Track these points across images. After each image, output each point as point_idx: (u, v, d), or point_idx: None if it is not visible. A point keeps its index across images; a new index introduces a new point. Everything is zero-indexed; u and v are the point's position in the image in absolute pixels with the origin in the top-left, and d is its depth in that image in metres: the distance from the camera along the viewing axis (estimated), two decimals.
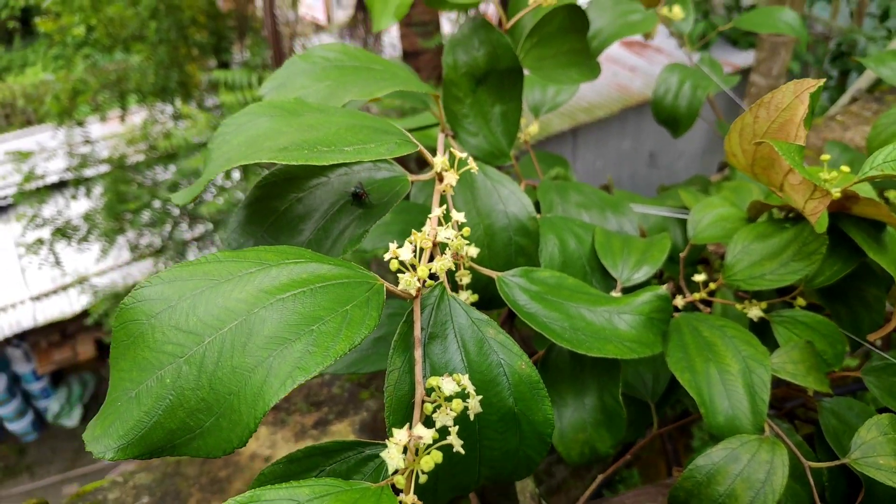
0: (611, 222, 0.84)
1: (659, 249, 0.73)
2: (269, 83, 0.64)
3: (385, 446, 0.37)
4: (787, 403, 0.78)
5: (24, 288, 4.75)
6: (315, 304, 0.38)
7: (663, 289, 0.63)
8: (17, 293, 4.70)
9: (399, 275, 0.44)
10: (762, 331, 0.73)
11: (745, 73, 4.38)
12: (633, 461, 1.65)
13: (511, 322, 0.94)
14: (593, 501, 0.67)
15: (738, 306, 0.70)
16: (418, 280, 0.44)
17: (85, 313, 4.39)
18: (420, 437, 0.36)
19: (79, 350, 4.87)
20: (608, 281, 0.74)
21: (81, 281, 4.62)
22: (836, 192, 0.57)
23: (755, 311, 0.69)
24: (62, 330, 4.86)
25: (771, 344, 0.68)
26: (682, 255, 0.78)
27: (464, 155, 0.54)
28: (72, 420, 4.90)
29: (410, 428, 0.38)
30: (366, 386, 1.16)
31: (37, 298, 4.80)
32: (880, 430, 0.58)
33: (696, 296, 0.70)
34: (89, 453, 0.41)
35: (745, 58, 4.58)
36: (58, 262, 4.39)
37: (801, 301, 0.70)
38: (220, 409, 0.35)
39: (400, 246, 0.44)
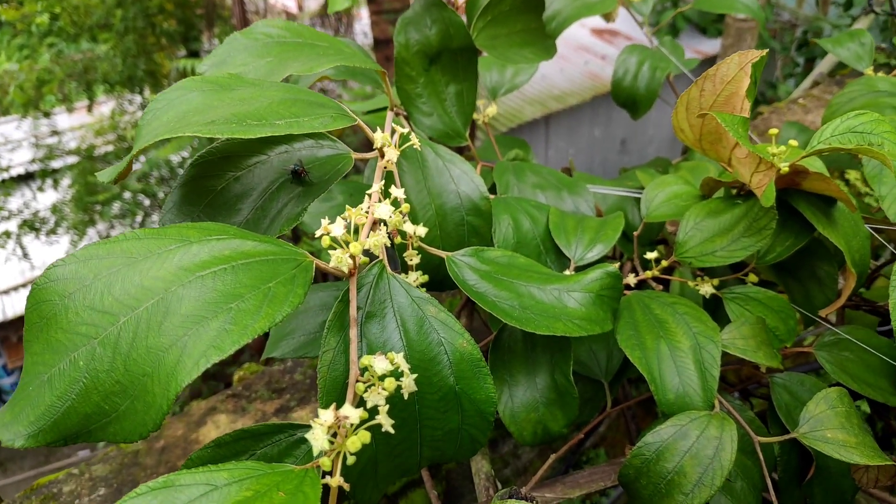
0: (567, 203, 0.83)
1: (612, 228, 0.73)
2: (209, 60, 0.62)
3: (311, 422, 0.36)
4: (746, 383, 0.78)
5: None
6: (236, 281, 0.37)
7: (613, 266, 0.62)
8: None
9: (330, 251, 0.43)
10: (715, 308, 0.73)
11: (713, 60, 4.41)
12: (600, 441, 1.65)
13: (473, 307, 0.93)
14: (548, 480, 0.67)
15: (691, 283, 0.70)
16: (350, 257, 0.43)
17: None
18: (346, 417, 0.35)
19: None
20: (563, 260, 0.73)
21: None
22: (784, 167, 0.57)
23: (707, 288, 0.68)
24: None
25: (724, 321, 0.68)
26: (635, 233, 0.77)
27: (405, 130, 0.53)
28: None
29: (338, 408, 0.36)
30: None
31: (5, 292, 4.71)
32: (828, 404, 0.58)
33: (648, 273, 0.70)
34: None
35: (713, 45, 4.62)
36: (26, 255, 4.30)
37: (753, 277, 0.70)
38: (135, 392, 0.34)
39: (332, 222, 0.43)
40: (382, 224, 0.48)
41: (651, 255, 0.70)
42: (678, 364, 0.60)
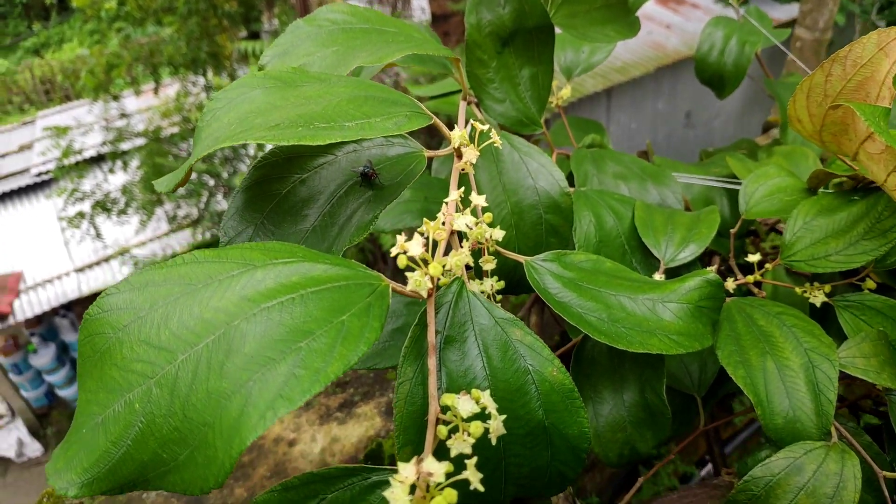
0: (652, 194, 0.76)
1: (707, 226, 0.66)
2: (271, 51, 0.58)
3: (393, 474, 0.32)
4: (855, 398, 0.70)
5: (69, 260, 4.86)
6: (305, 314, 0.33)
7: (713, 273, 0.55)
8: (61, 265, 4.81)
9: (408, 273, 0.38)
10: (822, 318, 0.65)
11: (787, 25, 4.15)
12: (669, 438, 1.58)
13: (543, 302, 0.87)
14: (637, 501, 0.61)
15: (799, 290, 0.62)
16: (430, 279, 0.38)
17: None
18: (430, 474, 0.31)
19: None
20: (650, 261, 0.67)
21: (122, 252, 4.70)
22: None
23: (819, 296, 0.61)
24: None
25: (833, 333, 0.60)
26: (732, 231, 0.70)
27: (485, 127, 0.47)
28: None
29: (420, 458, 0.32)
30: (393, 367, 1.12)
31: (80, 270, 4.90)
32: None
33: (750, 278, 0.63)
34: None
35: (786, 11, 4.34)
36: (98, 235, 4.46)
37: (870, 283, 0.62)
38: (195, 442, 0.30)
39: (409, 238, 0.38)
40: (464, 237, 0.43)
41: (753, 258, 0.62)
42: (787, 384, 0.53)
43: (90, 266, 4.97)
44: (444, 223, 0.41)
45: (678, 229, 0.67)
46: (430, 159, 0.58)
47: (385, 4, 5.10)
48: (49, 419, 4.92)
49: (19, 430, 4.57)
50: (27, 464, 4.53)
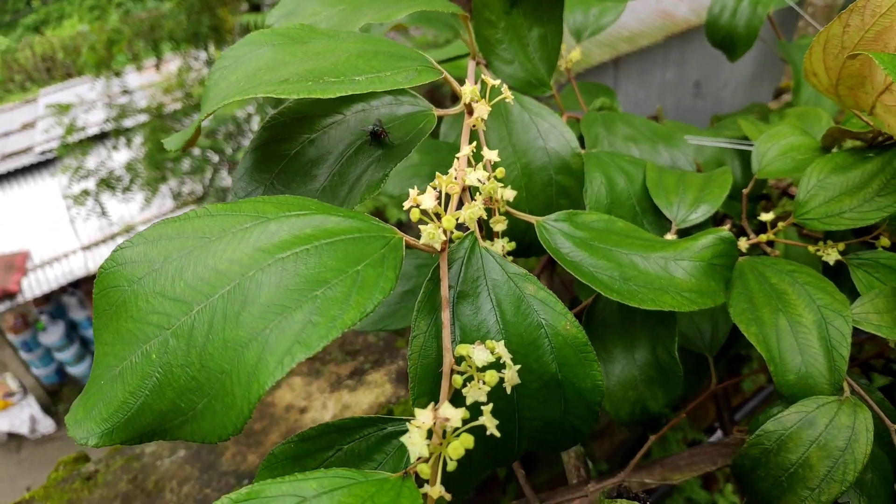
0: (663, 156, 0.76)
1: (719, 186, 0.65)
2: (277, 11, 0.57)
3: (409, 422, 0.32)
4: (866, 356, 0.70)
5: (75, 238, 4.87)
6: (320, 264, 0.32)
7: (726, 230, 0.55)
8: (68, 243, 4.83)
9: (421, 226, 0.38)
10: (835, 276, 0.65)
11: None
12: (680, 402, 1.59)
13: (552, 268, 0.87)
14: (645, 463, 0.62)
15: (812, 248, 0.62)
16: (444, 232, 0.38)
17: None
18: (447, 419, 0.31)
19: None
20: (662, 222, 0.67)
21: (128, 229, 4.71)
22: None
23: (832, 254, 0.60)
24: None
25: (847, 291, 0.60)
26: (745, 191, 0.69)
27: (497, 82, 0.47)
28: None
29: (436, 405, 0.32)
30: (402, 334, 1.12)
31: (87, 248, 4.92)
32: None
33: (763, 237, 0.62)
34: None
35: None
36: (104, 213, 4.46)
37: (884, 241, 0.62)
38: (212, 391, 0.30)
39: (422, 192, 0.38)
40: (475, 192, 0.43)
41: (766, 217, 0.62)
42: (800, 341, 0.53)
43: (96, 244, 4.98)
44: (456, 178, 0.41)
45: (690, 190, 0.66)
46: (440, 119, 0.58)
47: None
48: (60, 396, 4.98)
49: (32, 406, 4.63)
50: (41, 440, 4.60)
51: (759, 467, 0.50)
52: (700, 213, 0.63)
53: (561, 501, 0.57)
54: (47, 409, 4.75)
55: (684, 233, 0.64)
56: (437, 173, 0.39)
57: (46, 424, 4.63)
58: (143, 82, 5.08)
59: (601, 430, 1.45)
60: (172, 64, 4.95)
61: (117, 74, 4.50)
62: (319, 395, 1.04)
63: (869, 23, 0.45)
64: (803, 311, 0.55)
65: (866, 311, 0.54)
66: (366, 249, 0.34)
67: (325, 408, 1.01)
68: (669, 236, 0.62)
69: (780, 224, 0.61)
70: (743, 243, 0.62)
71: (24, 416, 4.55)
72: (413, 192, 0.38)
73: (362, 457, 0.37)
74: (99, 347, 0.33)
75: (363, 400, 1.02)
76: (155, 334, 0.32)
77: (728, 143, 0.80)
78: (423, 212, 0.38)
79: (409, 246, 0.37)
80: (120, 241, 4.73)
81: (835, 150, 0.67)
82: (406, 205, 0.38)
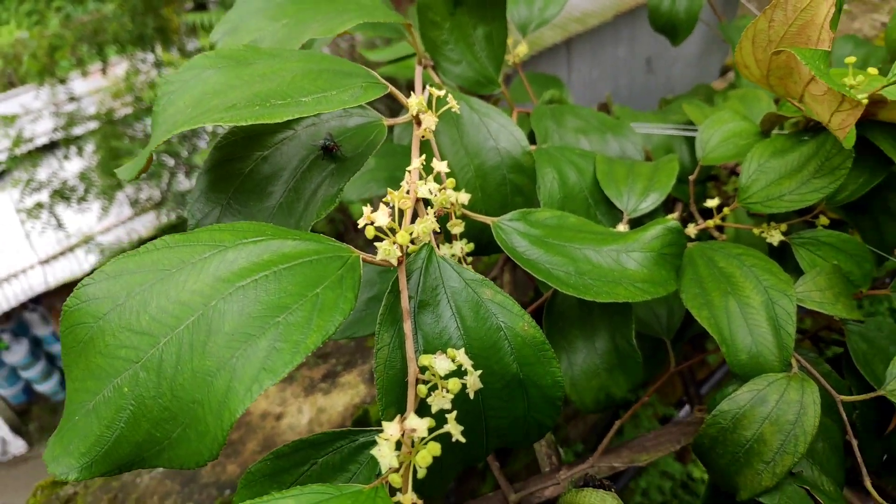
0: (612, 146, 0.78)
1: (666, 174, 0.67)
2: (220, 27, 0.58)
3: (379, 433, 0.33)
4: (816, 329, 0.73)
5: (32, 253, 4.74)
6: (280, 289, 0.33)
7: (674, 220, 0.57)
8: (25, 259, 4.69)
9: (377, 243, 0.39)
10: (781, 255, 0.68)
11: None
12: (648, 381, 1.63)
13: (514, 263, 0.89)
14: (613, 447, 0.64)
15: (756, 230, 0.65)
16: (399, 248, 0.39)
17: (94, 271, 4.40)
18: (414, 430, 0.32)
19: None
20: (614, 212, 0.69)
21: (87, 240, 4.60)
22: (863, 99, 0.51)
23: (776, 235, 0.63)
24: None
25: (792, 270, 0.63)
26: (691, 178, 0.72)
27: (441, 92, 0.48)
28: None
29: (403, 418, 0.33)
30: (372, 334, 1.14)
31: (45, 262, 4.79)
32: None
33: (710, 223, 0.65)
34: None
35: None
36: (60, 225, 4.34)
37: (824, 220, 0.65)
38: (186, 420, 0.31)
39: (375, 209, 0.39)
40: (428, 204, 0.44)
41: (712, 203, 0.65)
42: (750, 322, 0.56)
43: (55, 257, 4.86)
44: (408, 191, 0.42)
45: (639, 180, 0.68)
46: (391, 127, 0.59)
47: None
48: (30, 415, 4.87)
49: (1, 428, 4.52)
50: (13, 462, 4.50)
51: (717, 445, 0.53)
52: (650, 202, 0.66)
53: (534, 490, 0.59)
54: (17, 430, 4.65)
55: (636, 221, 0.66)
56: (389, 189, 0.41)
57: (18, 445, 4.53)
58: (90, 88, 4.94)
59: (574, 413, 1.48)
60: (119, 67, 4.83)
61: (62, 81, 4.38)
62: (294, 400, 1.05)
63: (791, 17, 0.47)
64: (751, 293, 0.57)
65: (809, 290, 0.57)
66: (324, 272, 0.35)
67: (301, 412, 1.02)
68: (621, 226, 0.64)
69: (726, 209, 0.64)
70: (691, 229, 0.65)
71: None
72: (366, 209, 0.39)
73: (337, 468, 0.39)
74: (70, 384, 0.34)
75: (338, 402, 1.03)
76: (125, 368, 0.33)
77: (675, 130, 0.83)
78: (378, 228, 0.39)
79: (366, 262, 0.39)
80: (79, 252, 4.62)
81: (775, 131, 0.70)
82: (360, 222, 0.39)
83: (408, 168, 0.45)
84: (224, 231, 0.36)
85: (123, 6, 4.27)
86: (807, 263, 0.62)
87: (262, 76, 0.43)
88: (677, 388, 1.64)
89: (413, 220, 0.42)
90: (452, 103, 0.48)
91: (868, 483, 0.53)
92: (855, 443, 0.55)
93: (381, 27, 0.71)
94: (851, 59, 0.52)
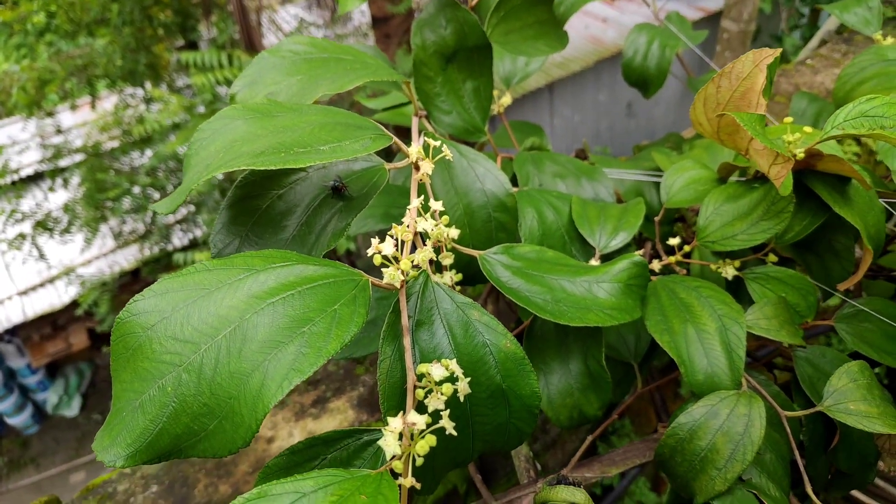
0: (587, 190, 0.86)
1: (634, 215, 0.75)
2: (240, 81, 0.65)
3: (381, 433, 0.40)
4: (762, 352, 0.81)
5: (10, 283, 4.72)
6: (304, 305, 0.40)
7: (639, 255, 0.65)
8: (3, 289, 4.67)
9: (383, 269, 0.46)
10: (737, 288, 0.75)
11: (716, 17, 4.36)
12: (625, 411, 1.70)
13: (498, 292, 0.96)
14: (586, 459, 0.70)
15: (713, 266, 0.73)
16: (402, 273, 0.46)
17: (75, 304, 4.39)
18: (414, 424, 0.39)
19: (72, 341, 4.87)
20: (587, 249, 0.76)
21: (68, 272, 4.60)
22: (800, 153, 0.59)
23: (730, 271, 0.71)
24: (53, 322, 4.86)
25: (746, 301, 0.71)
26: (656, 219, 0.80)
27: (437, 143, 0.55)
28: (72, 410, 4.94)
29: (404, 414, 0.40)
30: (361, 362, 1.19)
31: (24, 293, 4.77)
32: (850, 377, 0.61)
33: (672, 259, 0.73)
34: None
35: (716, 2, 4.56)
36: (42, 256, 4.35)
37: (772, 258, 0.73)
38: (222, 413, 0.37)
39: (382, 241, 0.46)
40: (425, 237, 0.51)
41: (674, 242, 0.72)
42: (705, 346, 0.63)
43: (34, 288, 4.84)
44: (409, 226, 0.49)
45: (610, 220, 0.76)
46: (391, 171, 0.66)
47: (324, 9, 5.12)
48: (0, 449, 4.79)
49: None
50: None
51: (676, 454, 0.59)
52: (619, 240, 0.73)
53: (513, 498, 0.65)
54: None
55: (607, 257, 0.74)
56: (394, 224, 0.48)
57: None
58: (78, 121, 5.00)
59: (553, 440, 1.54)
60: (108, 101, 4.90)
61: (50, 114, 4.43)
62: (285, 424, 1.10)
63: (735, 84, 0.55)
64: (707, 321, 0.65)
65: (757, 318, 0.65)
66: (340, 291, 0.42)
67: (292, 436, 1.07)
68: (594, 261, 0.72)
69: (686, 247, 0.72)
70: (656, 265, 0.72)
71: None
72: (374, 240, 0.46)
73: (344, 463, 0.45)
74: (118, 385, 0.40)
75: (327, 426, 1.08)
76: (169, 371, 0.39)
77: (642, 175, 0.91)
78: (384, 257, 0.46)
79: (373, 285, 0.45)
80: (59, 284, 4.60)
81: (732, 178, 0.79)
82: (369, 251, 0.46)
83: (408, 206, 0.52)
84: (255, 257, 0.43)
85: (115, 43, 4.36)
86: (758, 295, 0.70)
87: (285, 128, 0.50)
88: (652, 419, 1.70)
89: (413, 251, 0.49)
90: (446, 152, 0.56)
91: (809, 489, 0.59)
92: (798, 455, 0.61)
93: (381, 81, 0.79)
94: (789, 120, 0.61)
